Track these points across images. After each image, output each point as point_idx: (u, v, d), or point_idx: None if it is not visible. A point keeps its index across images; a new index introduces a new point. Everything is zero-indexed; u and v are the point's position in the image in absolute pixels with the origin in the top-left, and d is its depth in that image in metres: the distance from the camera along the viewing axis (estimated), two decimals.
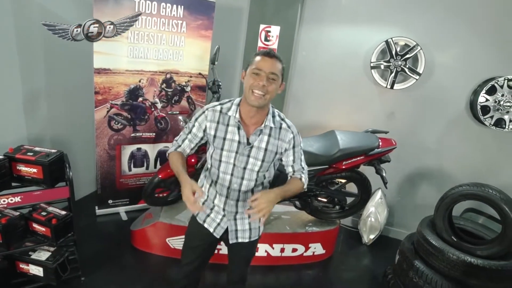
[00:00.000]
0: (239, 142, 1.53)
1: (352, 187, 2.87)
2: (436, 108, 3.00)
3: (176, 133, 3.19)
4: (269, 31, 3.08)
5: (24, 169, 2.06)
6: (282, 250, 2.76)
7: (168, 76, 2.98)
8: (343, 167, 2.57)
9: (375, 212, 3.18)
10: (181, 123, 2.81)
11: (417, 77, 2.87)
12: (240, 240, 1.70)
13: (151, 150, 3.19)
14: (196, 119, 1.59)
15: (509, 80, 2.66)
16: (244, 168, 1.56)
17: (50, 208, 2.17)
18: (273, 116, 1.57)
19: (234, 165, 1.56)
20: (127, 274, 2.50)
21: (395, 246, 2.67)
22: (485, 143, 2.94)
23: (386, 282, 2.53)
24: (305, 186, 1.67)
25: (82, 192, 3.36)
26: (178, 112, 3.13)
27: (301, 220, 2.91)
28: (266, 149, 1.55)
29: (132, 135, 3.04)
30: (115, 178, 3.10)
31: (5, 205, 2.08)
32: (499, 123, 2.75)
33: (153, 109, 3.03)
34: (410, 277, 2.25)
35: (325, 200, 2.83)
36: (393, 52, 2.87)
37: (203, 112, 1.57)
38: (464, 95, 2.89)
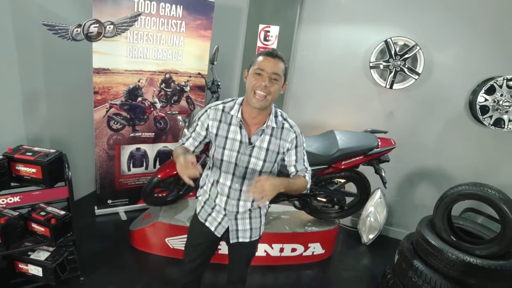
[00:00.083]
0: (241, 141, 1.53)
1: (351, 187, 2.87)
2: (435, 108, 3.00)
3: (175, 133, 3.20)
4: (268, 31, 3.08)
5: (23, 169, 2.06)
6: (282, 250, 2.76)
7: (167, 76, 2.98)
8: (342, 167, 2.57)
9: (374, 212, 3.18)
10: (180, 123, 2.81)
11: (416, 77, 2.88)
12: (241, 240, 1.70)
13: (150, 150, 3.18)
14: (199, 118, 1.59)
15: (508, 80, 2.66)
16: (246, 168, 1.56)
17: (49, 208, 2.17)
18: (276, 116, 1.56)
19: (235, 164, 1.56)
20: (126, 274, 2.50)
21: (394, 246, 2.68)
22: (484, 142, 2.94)
23: (385, 282, 2.53)
24: (308, 186, 1.63)
25: (81, 192, 3.35)
26: (177, 112, 3.13)
27: (301, 220, 2.91)
28: (267, 149, 1.55)
29: (131, 135, 3.04)
30: (114, 178, 3.10)
31: (4, 205, 2.08)
32: (498, 122, 2.76)
33: (152, 109, 3.03)
34: (409, 277, 2.25)
35: (324, 200, 2.84)
36: (392, 52, 2.87)
37: (206, 110, 1.57)
38: (463, 95, 2.89)
